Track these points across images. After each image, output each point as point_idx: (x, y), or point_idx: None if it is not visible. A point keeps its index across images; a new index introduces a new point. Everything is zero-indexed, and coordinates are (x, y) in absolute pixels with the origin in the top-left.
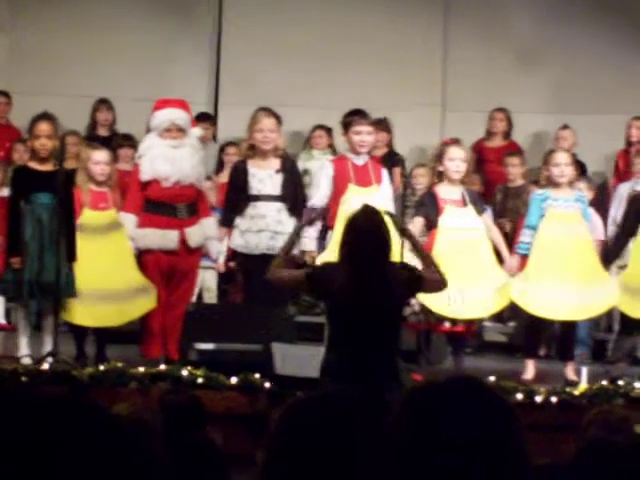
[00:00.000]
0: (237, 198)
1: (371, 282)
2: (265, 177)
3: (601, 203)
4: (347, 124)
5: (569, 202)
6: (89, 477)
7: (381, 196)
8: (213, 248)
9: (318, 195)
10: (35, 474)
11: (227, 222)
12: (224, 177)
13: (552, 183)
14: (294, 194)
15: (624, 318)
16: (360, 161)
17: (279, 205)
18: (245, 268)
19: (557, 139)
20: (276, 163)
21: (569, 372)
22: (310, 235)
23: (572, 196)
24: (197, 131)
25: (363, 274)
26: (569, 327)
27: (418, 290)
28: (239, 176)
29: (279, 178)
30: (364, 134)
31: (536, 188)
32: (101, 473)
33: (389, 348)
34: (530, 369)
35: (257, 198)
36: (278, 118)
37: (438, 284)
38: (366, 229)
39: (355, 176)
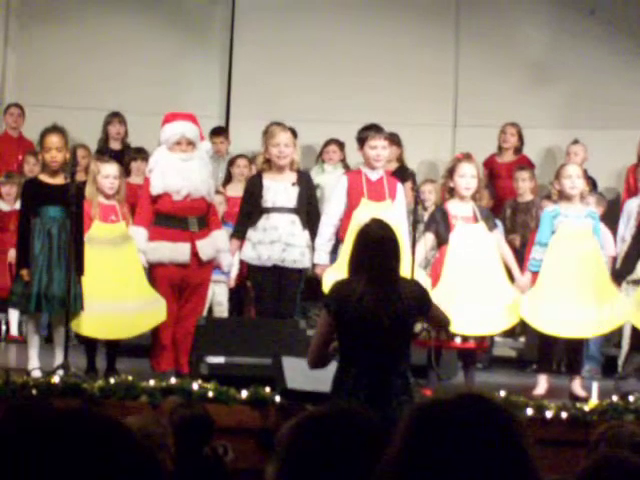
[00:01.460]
0: (251, 211)
1: (383, 290)
2: (280, 190)
3: (612, 219)
4: (363, 139)
5: (580, 218)
6: None
7: (394, 211)
8: (224, 261)
9: (330, 210)
10: None
11: (239, 234)
12: (231, 190)
13: (564, 197)
14: (308, 208)
15: (635, 334)
16: (375, 176)
17: (293, 217)
18: (256, 280)
19: (568, 154)
20: (292, 176)
21: (576, 386)
22: (324, 249)
23: (583, 212)
24: (206, 144)
25: (374, 283)
26: (578, 341)
27: (427, 310)
28: (254, 189)
29: (295, 191)
30: (379, 148)
31: (548, 202)
32: None
33: (400, 362)
34: (542, 384)
35: (271, 210)
36: (293, 132)
37: (443, 321)
38: (376, 239)
39: (368, 190)
